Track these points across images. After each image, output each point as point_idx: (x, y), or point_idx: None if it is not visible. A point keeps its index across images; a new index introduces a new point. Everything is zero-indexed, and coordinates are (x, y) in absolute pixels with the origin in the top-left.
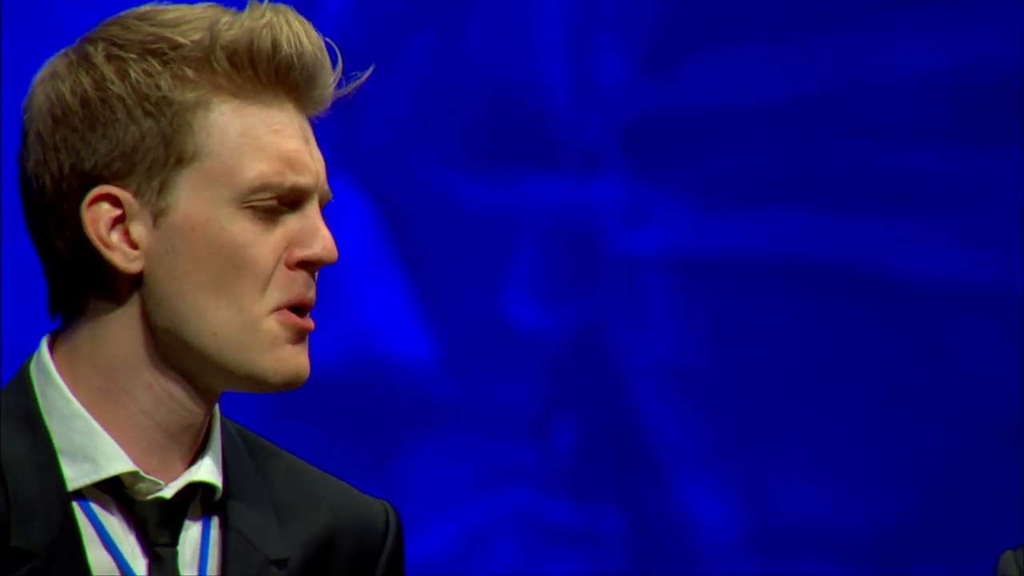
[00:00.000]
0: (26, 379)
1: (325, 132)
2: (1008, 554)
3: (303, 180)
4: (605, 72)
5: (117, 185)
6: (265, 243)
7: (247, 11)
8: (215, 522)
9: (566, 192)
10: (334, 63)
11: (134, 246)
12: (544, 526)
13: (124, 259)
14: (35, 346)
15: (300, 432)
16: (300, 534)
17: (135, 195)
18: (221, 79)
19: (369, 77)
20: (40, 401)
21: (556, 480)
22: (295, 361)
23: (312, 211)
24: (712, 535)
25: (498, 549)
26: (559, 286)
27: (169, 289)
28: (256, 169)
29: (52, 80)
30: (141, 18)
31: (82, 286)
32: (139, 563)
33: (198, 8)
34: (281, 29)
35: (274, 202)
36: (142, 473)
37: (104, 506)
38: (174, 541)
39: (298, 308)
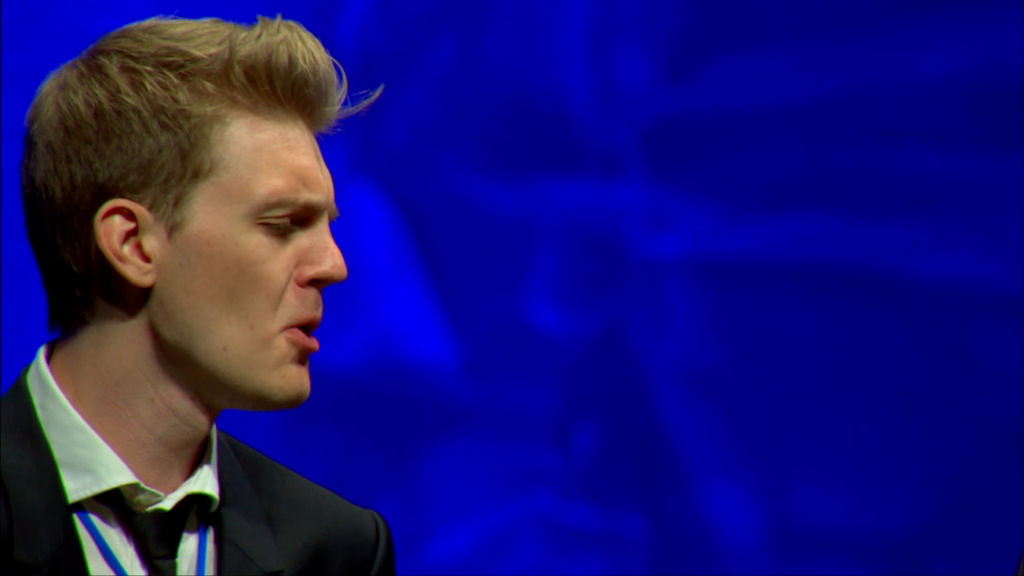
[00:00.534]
0: (24, 390)
1: (347, 137)
2: None
3: (316, 197)
4: (627, 76)
5: (131, 198)
6: (278, 260)
7: (261, 27)
8: (211, 533)
9: (588, 196)
10: (340, 81)
11: (147, 259)
12: (565, 530)
13: (137, 272)
14: (32, 352)
15: (322, 436)
16: (293, 545)
17: (150, 208)
18: (238, 94)
19: (388, 82)
20: (39, 412)
21: (577, 484)
22: (298, 379)
23: (322, 228)
24: (733, 538)
25: (519, 553)
26: (581, 290)
27: (182, 303)
28: (271, 185)
29: (63, 91)
30: (150, 31)
31: (89, 299)
32: (138, 575)
33: (206, 23)
34: (296, 46)
35: (287, 219)
36: (142, 485)
37: (104, 518)
38: (173, 553)
39: (306, 327)
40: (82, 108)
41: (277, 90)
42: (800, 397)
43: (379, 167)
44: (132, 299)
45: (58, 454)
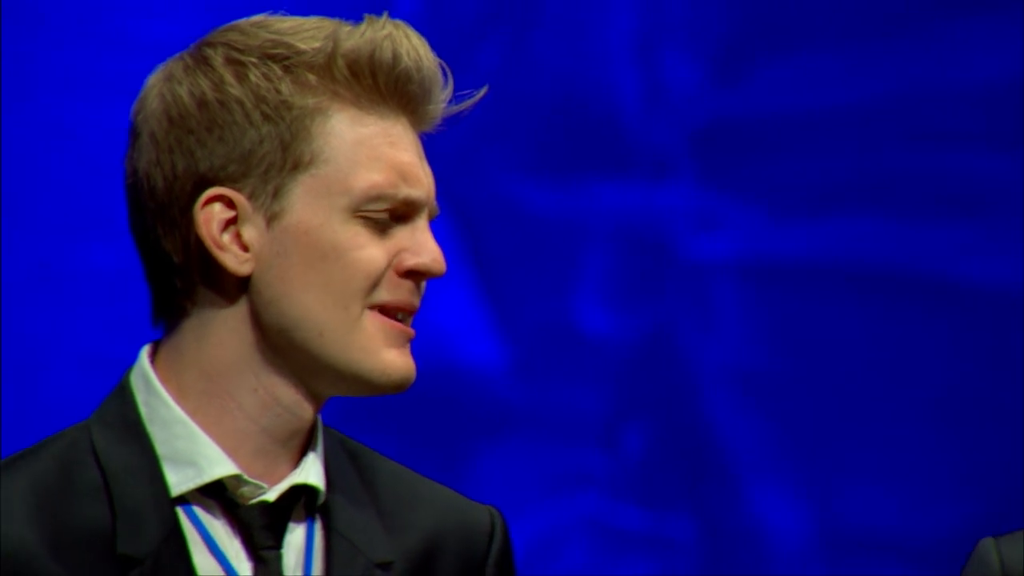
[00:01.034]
0: (127, 389)
1: None
2: (988, 541)
3: (416, 193)
4: (675, 78)
5: (231, 187)
6: (376, 247)
7: (367, 24)
8: (319, 525)
9: (636, 198)
10: (445, 81)
11: (245, 248)
12: (614, 532)
13: (235, 261)
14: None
15: (371, 437)
16: (404, 539)
17: (249, 198)
18: (341, 87)
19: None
20: (142, 409)
21: (626, 486)
22: (399, 362)
23: (422, 224)
24: (782, 540)
25: (567, 555)
26: (629, 292)
27: (278, 291)
28: (371, 179)
29: (168, 82)
30: (258, 25)
31: (189, 289)
32: (244, 567)
33: (313, 20)
34: (401, 42)
35: (386, 214)
36: (245, 477)
37: (208, 510)
38: (278, 544)
39: (402, 314)
40: (186, 98)
41: (380, 85)
42: (847, 399)
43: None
44: (231, 289)
45: (160, 449)
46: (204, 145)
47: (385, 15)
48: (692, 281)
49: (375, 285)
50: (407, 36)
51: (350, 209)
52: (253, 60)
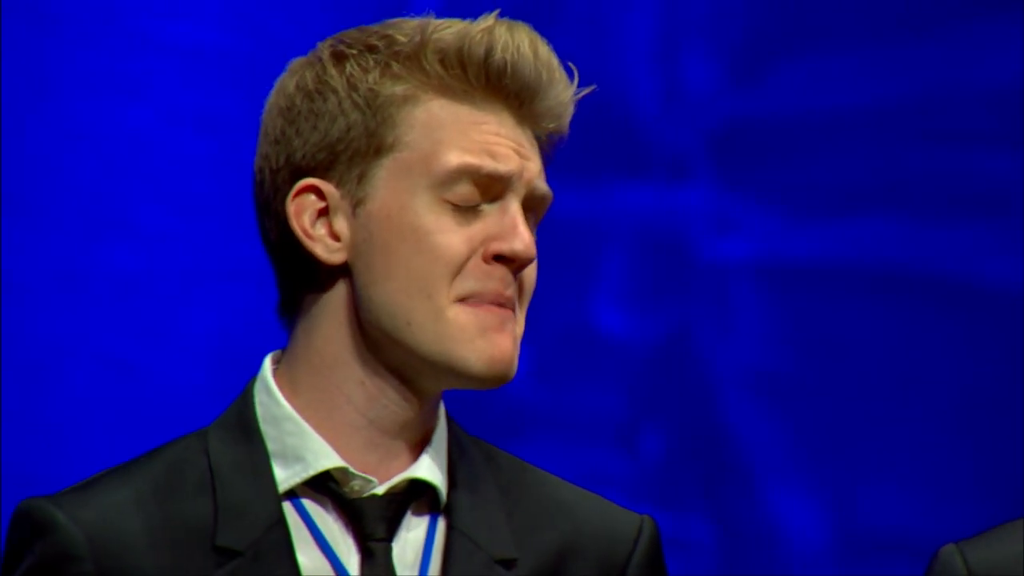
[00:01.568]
0: (249, 391)
1: None
2: (951, 547)
3: (502, 168)
4: (693, 79)
5: (322, 177)
6: (459, 233)
7: (475, 21)
8: (441, 523)
9: (654, 199)
10: (557, 81)
11: (336, 238)
12: None
13: (326, 250)
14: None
15: None
16: (537, 540)
17: (337, 186)
18: (431, 77)
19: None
20: (258, 409)
21: (644, 488)
22: (493, 353)
23: (513, 207)
24: (799, 542)
25: None
26: (647, 293)
27: (367, 279)
28: (452, 156)
29: (285, 76)
30: (382, 24)
31: (296, 285)
32: (353, 560)
33: (445, 20)
34: (500, 37)
35: (474, 194)
36: (352, 470)
37: (321, 505)
38: (389, 537)
39: (496, 304)
40: (291, 89)
41: (470, 76)
42: (866, 401)
43: None
44: (329, 281)
45: (271, 446)
46: (301, 134)
47: (496, 12)
48: (710, 283)
49: (458, 272)
50: (511, 32)
51: (433, 189)
52: (354, 52)
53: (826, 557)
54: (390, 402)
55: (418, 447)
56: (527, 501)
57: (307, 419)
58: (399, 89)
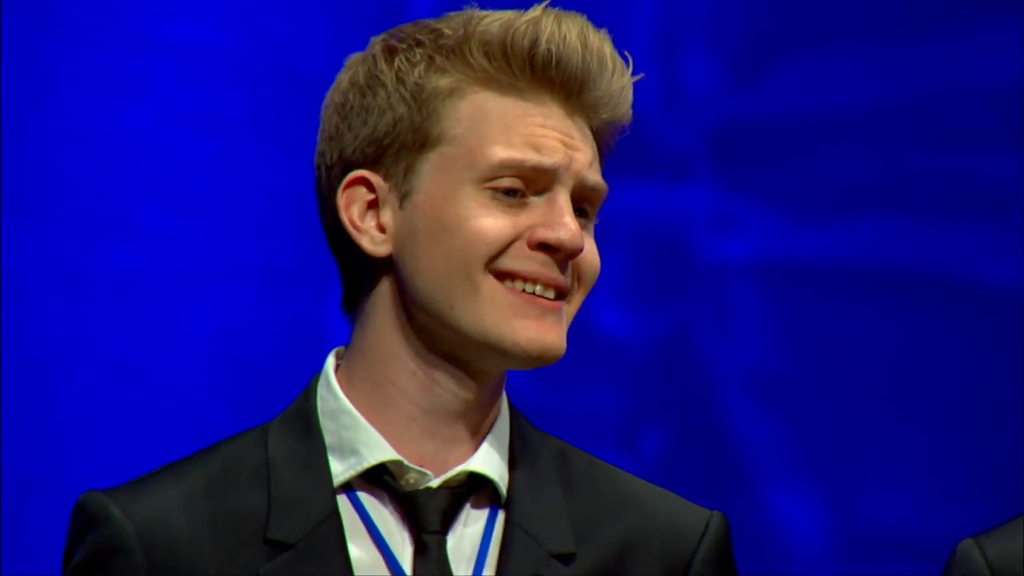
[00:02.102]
0: (312, 386)
1: None
2: (968, 541)
3: (547, 161)
4: (693, 79)
5: (371, 170)
6: (500, 218)
7: (524, 12)
8: (501, 517)
9: (654, 199)
10: (611, 71)
11: (382, 230)
12: None
13: (371, 242)
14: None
15: None
16: (599, 536)
17: (385, 179)
18: (476, 70)
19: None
20: (318, 403)
21: None
22: (531, 334)
23: (561, 198)
24: (799, 542)
25: None
26: (647, 293)
27: (412, 269)
28: (496, 150)
29: (341, 72)
30: (441, 17)
31: (352, 280)
32: (406, 553)
33: (496, 11)
34: (545, 28)
35: (518, 185)
36: (406, 463)
37: (376, 497)
38: (444, 530)
39: (540, 287)
40: (345, 85)
41: (514, 68)
42: (866, 400)
43: None
44: (378, 275)
45: (328, 439)
46: (352, 128)
47: (545, 3)
48: (710, 283)
49: (499, 254)
50: (559, 23)
51: (478, 181)
52: (403, 47)
53: (826, 557)
54: (443, 390)
55: (477, 439)
56: (593, 496)
57: (363, 412)
58: (444, 82)
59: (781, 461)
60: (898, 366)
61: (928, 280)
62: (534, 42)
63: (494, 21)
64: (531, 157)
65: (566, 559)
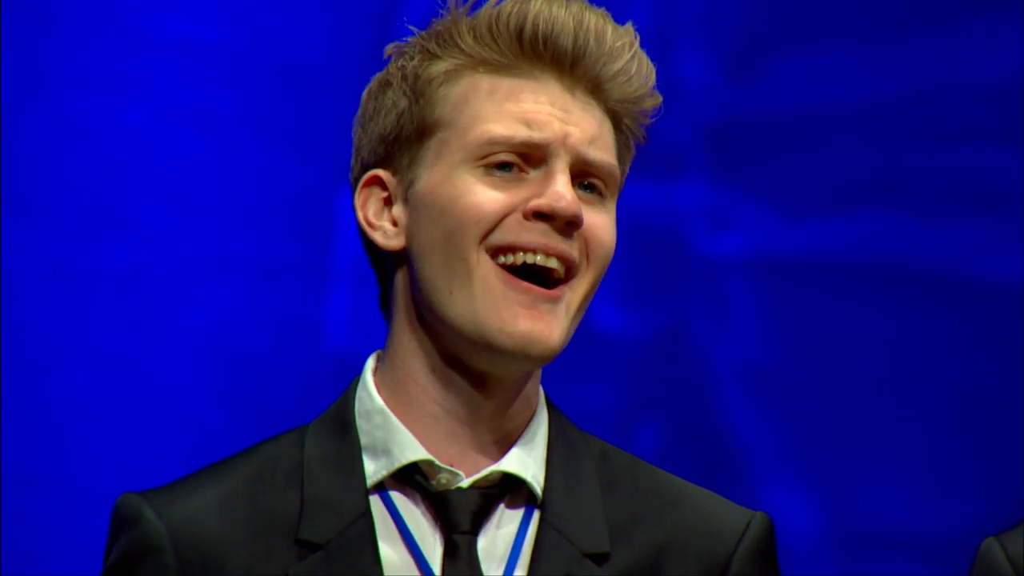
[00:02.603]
0: (351, 387)
1: None
2: (991, 540)
3: (537, 136)
4: (689, 75)
5: (383, 168)
6: (493, 193)
7: None
8: (536, 518)
9: (650, 195)
10: (608, 44)
11: (395, 224)
12: None
13: (384, 237)
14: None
15: None
16: (636, 535)
17: (393, 175)
18: (467, 52)
19: None
20: (356, 404)
21: None
22: (519, 322)
23: (556, 169)
24: (795, 537)
25: None
26: (643, 289)
27: (417, 258)
28: (487, 127)
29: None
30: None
31: (382, 280)
32: (437, 553)
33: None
34: (534, 6)
35: (512, 157)
36: (437, 463)
37: (408, 497)
38: (474, 530)
39: (541, 256)
40: (364, 96)
41: (502, 46)
42: (863, 396)
43: None
44: (396, 271)
45: (363, 439)
46: (367, 131)
47: None
48: (706, 278)
49: (494, 228)
50: (549, 3)
51: (469, 160)
52: (407, 46)
53: (822, 551)
54: (460, 391)
55: (508, 440)
56: (633, 496)
57: (394, 412)
58: (437, 69)
59: (778, 457)
60: (895, 362)
61: (926, 276)
62: (522, 19)
63: (485, 6)
64: (520, 132)
65: (600, 559)
